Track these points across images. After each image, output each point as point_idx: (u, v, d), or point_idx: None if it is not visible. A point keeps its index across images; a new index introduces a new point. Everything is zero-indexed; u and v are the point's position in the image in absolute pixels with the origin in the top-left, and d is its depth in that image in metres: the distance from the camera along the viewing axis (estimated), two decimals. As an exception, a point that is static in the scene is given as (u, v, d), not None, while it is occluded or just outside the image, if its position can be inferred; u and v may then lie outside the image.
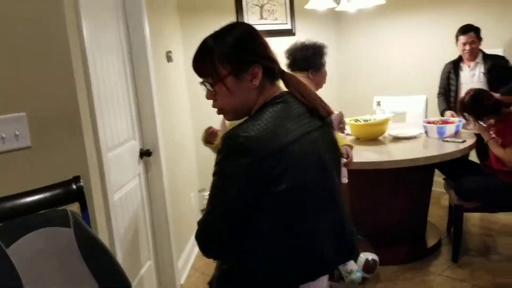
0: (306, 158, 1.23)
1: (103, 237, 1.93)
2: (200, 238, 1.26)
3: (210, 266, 3.40)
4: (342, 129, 3.04)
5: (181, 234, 3.28)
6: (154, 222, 2.86)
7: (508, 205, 3.14)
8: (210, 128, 2.23)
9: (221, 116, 1.36)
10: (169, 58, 3.31)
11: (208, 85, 1.27)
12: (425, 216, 3.52)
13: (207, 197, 1.25)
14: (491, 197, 3.05)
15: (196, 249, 3.65)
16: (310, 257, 1.27)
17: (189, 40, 3.88)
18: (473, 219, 3.77)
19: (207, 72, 1.26)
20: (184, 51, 3.86)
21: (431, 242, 3.40)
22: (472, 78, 3.72)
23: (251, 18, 4.30)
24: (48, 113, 1.71)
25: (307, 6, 3.82)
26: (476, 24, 3.73)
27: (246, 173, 1.15)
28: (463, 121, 3.43)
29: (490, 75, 3.62)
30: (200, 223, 1.25)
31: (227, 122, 2.11)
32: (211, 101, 1.31)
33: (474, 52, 3.69)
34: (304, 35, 4.65)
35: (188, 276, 3.23)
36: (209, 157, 3.87)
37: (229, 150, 1.17)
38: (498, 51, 3.90)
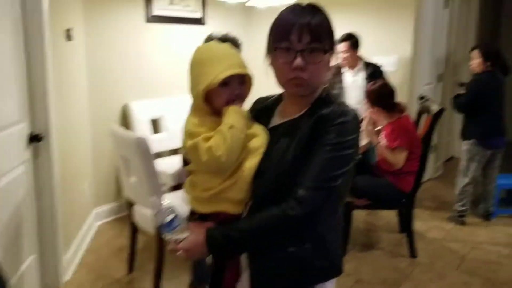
0: None
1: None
2: (316, 209, 1.22)
3: (99, 262, 3.28)
4: None
5: (71, 227, 3.10)
6: (41, 213, 2.67)
7: (392, 204, 3.40)
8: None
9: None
10: (68, 37, 3.11)
11: (316, 50, 1.23)
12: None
13: (317, 167, 1.21)
14: (379, 196, 3.28)
15: (86, 242, 3.48)
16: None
17: (92, 18, 3.68)
18: (361, 215, 4.01)
19: (324, 38, 1.25)
20: (86, 29, 3.64)
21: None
22: (354, 83, 3.98)
23: (161, 2, 4.16)
24: None
25: (217, -3, 3.80)
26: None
27: (356, 145, 1.26)
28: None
29: (371, 81, 3.87)
30: (312, 191, 1.20)
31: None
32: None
33: (348, 61, 3.94)
34: (214, 25, 4.64)
35: (74, 272, 3.05)
36: (106, 145, 3.74)
37: (353, 124, 1.24)
38: (391, 59, 4.23)
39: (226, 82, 1.28)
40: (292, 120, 1.32)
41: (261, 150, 1.31)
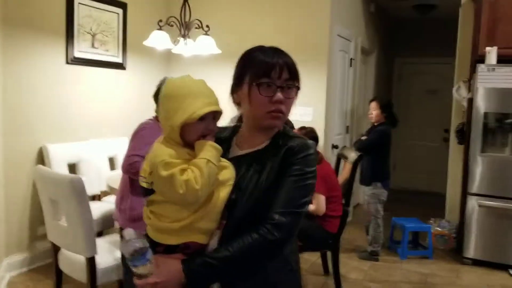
0: None
1: None
2: (291, 232, 1.34)
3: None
4: None
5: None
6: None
7: (320, 245, 3.52)
8: None
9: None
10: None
11: (294, 87, 1.39)
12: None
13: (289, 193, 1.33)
14: (309, 237, 3.35)
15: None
16: None
17: (10, 57, 3.49)
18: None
19: (297, 76, 1.40)
20: (3, 69, 3.42)
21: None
22: None
23: (82, 45, 4.08)
24: None
25: (145, 43, 3.81)
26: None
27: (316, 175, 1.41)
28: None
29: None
30: (286, 216, 1.30)
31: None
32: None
33: None
34: (135, 70, 4.62)
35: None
36: (20, 189, 3.46)
37: (314, 156, 1.40)
38: (308, 110, 4.53)
39: (202, 118, 1.32)
40: (257, 152, 1.42)
41: (231, 182, 1.36)
